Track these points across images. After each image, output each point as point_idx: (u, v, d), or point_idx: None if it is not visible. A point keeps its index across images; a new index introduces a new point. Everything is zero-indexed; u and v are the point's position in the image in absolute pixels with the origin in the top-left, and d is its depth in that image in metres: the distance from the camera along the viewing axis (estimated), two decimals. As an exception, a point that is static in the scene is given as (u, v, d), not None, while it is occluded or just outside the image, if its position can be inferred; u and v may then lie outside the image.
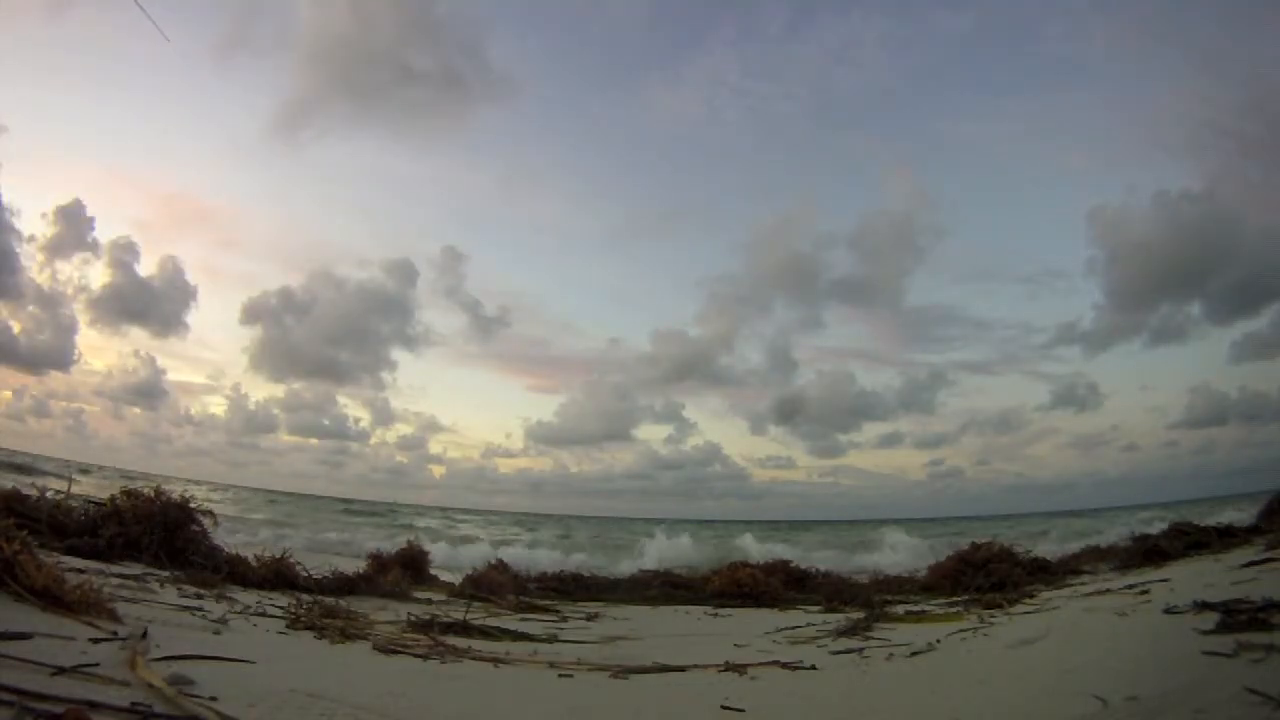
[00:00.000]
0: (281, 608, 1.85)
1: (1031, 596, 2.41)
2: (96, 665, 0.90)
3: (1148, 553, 3.04)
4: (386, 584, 2.81)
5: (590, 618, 2.33)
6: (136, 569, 2.13)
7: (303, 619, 1.70)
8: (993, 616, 1.96)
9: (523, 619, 2.23)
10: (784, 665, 1.43)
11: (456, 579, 3.54)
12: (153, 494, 4.33)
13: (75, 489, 2.65)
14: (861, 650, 1.59)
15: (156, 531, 3.26)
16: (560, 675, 1.34)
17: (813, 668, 1.41)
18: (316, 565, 2.89)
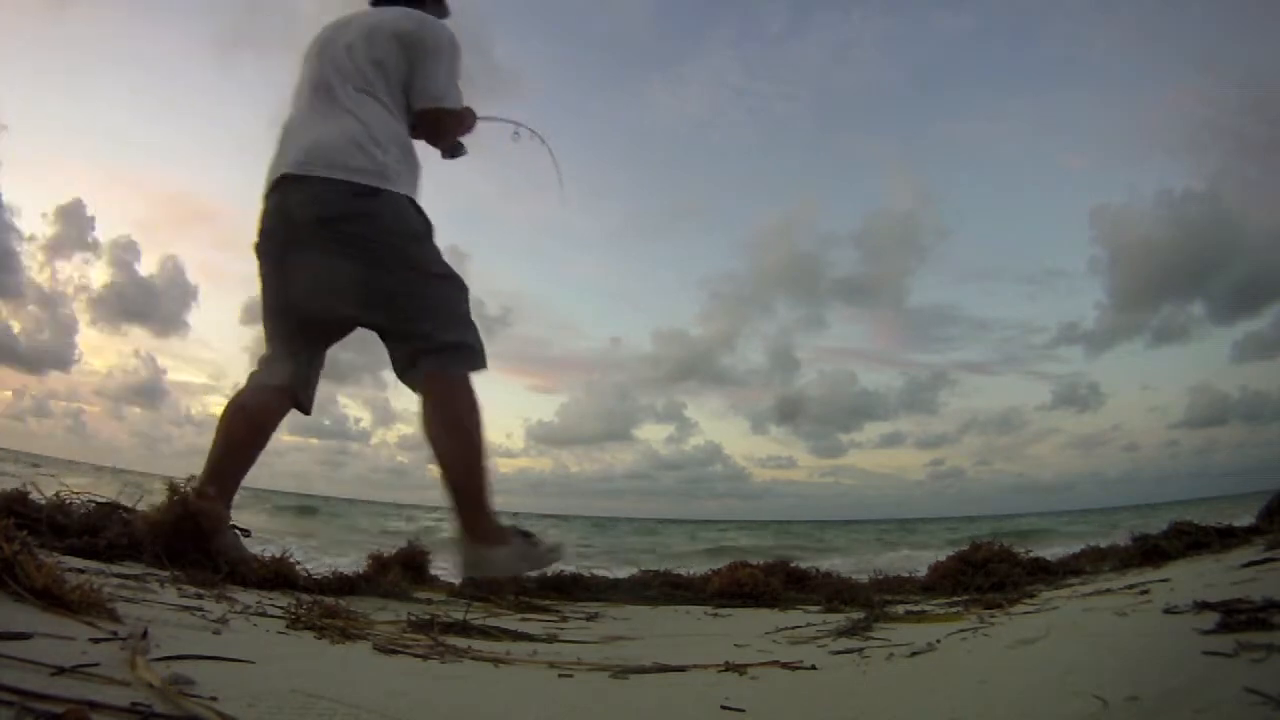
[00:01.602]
0: (281, 608, 1.85)
1: (1031, 596, 2.41)
2: (96, 665, 0.90)
3: (1148, 553, 3.04)
4: (386, 584, 2.82)
5: (590, 618, 2.33)
6: (136, 569, 2.13)
7: (303, 619, 1.70)
8: (993, 616, 1.96)
9: (523, 619, 2.23)
10: (784, 665, 1.43)
11: (456, 579, 3.55)
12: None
13: (74, 489, 2.65)
14: (861, 650, 1.59)
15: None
16: (560, 675, 1.34)
17: (813, 668, 1.41)
18: (315, 565, 2.90)
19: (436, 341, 2.28)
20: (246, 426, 2.51)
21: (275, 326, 2.50)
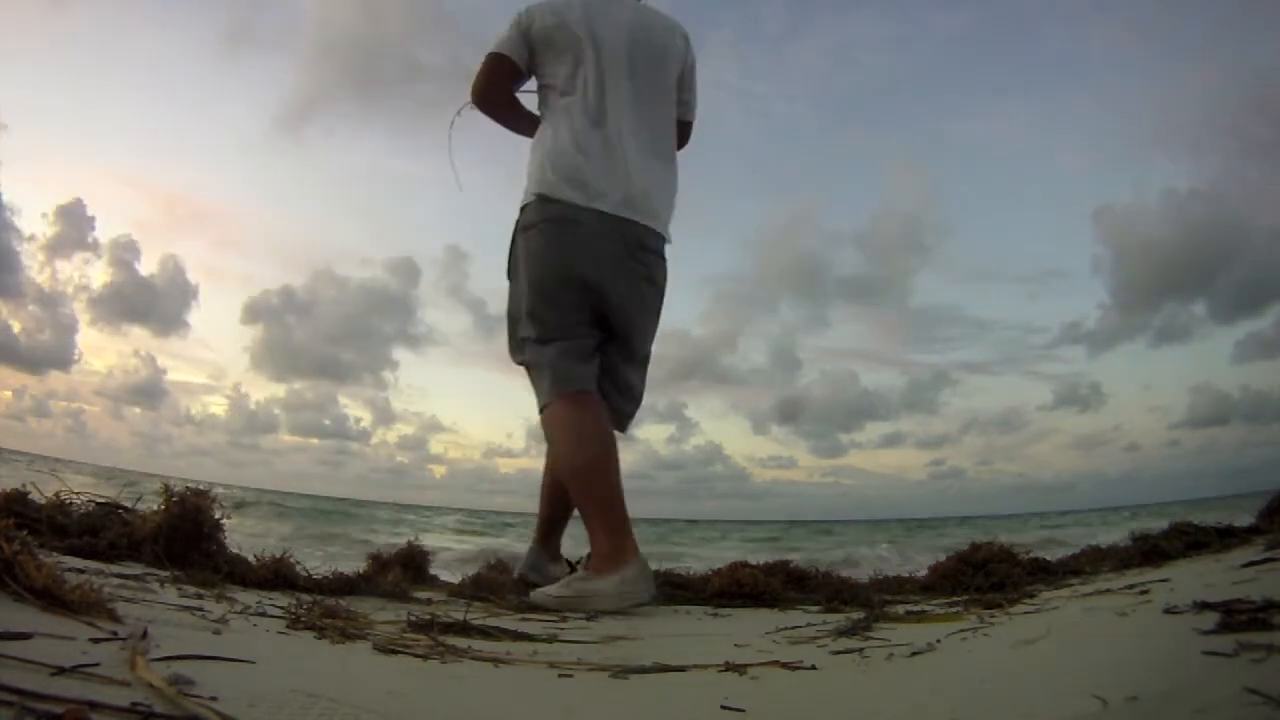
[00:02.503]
0: (281, 608, 1.85)
1: (1031, 596, 2.40)
2: (96, 665, 0.90)
3: (1147, 553, 3.03)
4: (386, 584, 2.81)
5: (590, 617, 2.34)
6: (136, 569, 2.13)
7: (303, 619, 1.70)
8: (993, 616, 1.96)
9: (523, 619, 2.23)
10: (784, 665, 1.43)
11: (456, 579, 3.54)
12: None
13: (74, 489, 2.66)
14: (861, 650, 1.59)
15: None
16: (560, 675, 1.34)
17: (813, 668, 1.41)
18: (316, 565, 2.90)
19: (638, 393, 2.73)
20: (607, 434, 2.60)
21: (580, 314, 2.59)
